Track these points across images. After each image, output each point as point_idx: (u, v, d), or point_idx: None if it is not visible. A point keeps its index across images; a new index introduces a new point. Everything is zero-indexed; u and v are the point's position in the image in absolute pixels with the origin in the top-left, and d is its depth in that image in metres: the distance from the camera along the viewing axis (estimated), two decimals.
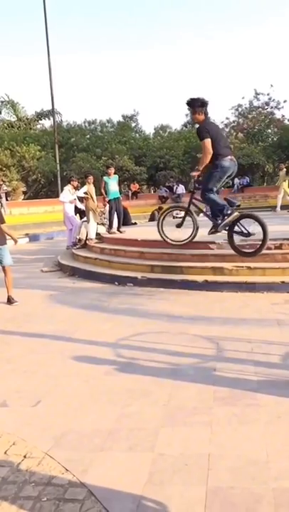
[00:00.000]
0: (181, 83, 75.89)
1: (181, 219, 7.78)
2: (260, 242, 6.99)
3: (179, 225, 7.76)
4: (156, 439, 3.02)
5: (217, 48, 78.16)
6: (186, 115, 46.46)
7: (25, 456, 2.88)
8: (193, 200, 7.48)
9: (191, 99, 6.77)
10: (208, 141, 6.60)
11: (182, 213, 7.84)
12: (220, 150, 6.77)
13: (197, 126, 6.83)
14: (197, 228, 7.62)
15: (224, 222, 7.07)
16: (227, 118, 41.73)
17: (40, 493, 2.51)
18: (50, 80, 28.61)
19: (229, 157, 6.92)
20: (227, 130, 41.45)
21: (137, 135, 39.39)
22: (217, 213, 7.15)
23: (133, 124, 42.01)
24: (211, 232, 7.43)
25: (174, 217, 8.89)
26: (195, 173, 6.93)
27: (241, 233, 7.18)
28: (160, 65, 78.33)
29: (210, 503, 2.36)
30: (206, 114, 6.92)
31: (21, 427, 3.28)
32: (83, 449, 2.95)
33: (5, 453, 2.94)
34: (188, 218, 7.66)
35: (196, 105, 6.62)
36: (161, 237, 7.74)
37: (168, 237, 7.77)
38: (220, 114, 74.89)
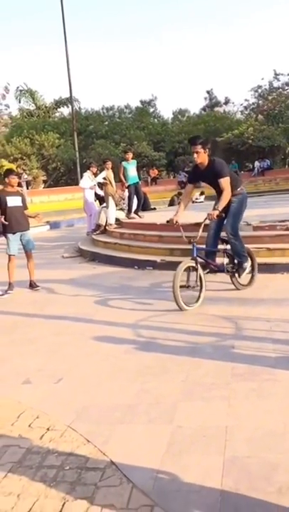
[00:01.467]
0: (199, 66, 75.05)
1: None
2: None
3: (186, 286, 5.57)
4: (175, 412, 3.10)
5: (235, 29, 76.86)
6: (205, 98, 46.10)
7: (48, 429, 2.99)
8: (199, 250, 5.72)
9: (198, 137, 5.87)
10: (229, 179, 5.64)
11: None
12: (237, 183, 5.93)
13: (214, 162, 5.66)
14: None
15: (245, 269, 6.02)
16: (246, 100, 41.18)
17: (62, 462, 2.62)
18: (67, 68, 28.64)
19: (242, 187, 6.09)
20: (247, 112, 40.92)
21: (156, 120, 39.19)
22: (239, 256, 5.94)
23: (151, 110, 41.81)
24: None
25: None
26: (216, 214, 5.43)
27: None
28: (177, 48, 77.48)
29: (227, 471, 2.42)
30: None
31: (44, 402, 3.39)
32: (104, 422, 3.04)
33: (29, 426, 3.05)
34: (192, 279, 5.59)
35: (205, 142, 5.68)
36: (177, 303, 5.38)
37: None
38: (239, 96, 73.93)
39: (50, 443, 2.83)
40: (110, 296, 6.47)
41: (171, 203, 18.41)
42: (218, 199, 5.65)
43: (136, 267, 8.29)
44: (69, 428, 2.99)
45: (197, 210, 7.82)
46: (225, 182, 5.55)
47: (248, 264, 6.05)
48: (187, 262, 5.48)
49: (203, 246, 5.92)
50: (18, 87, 36.60)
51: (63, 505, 2.25)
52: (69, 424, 3.04)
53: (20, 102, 37.76)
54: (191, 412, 3.10)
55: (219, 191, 5.67)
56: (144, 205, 13.34)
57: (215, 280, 6.20)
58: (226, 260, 5.99)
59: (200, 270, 5.56)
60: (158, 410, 3.14)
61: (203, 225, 5.67)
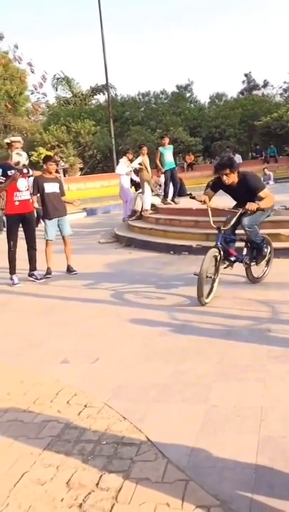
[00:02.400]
0: (237, 48, 73.53)
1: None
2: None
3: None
4: (210, 392, 3.12)
5: (273, 9, 74.73)
6: (243, 82, 45.21)
7: (85, 406, 3.07)
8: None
9: (224, 164, 5.48)
10: (266, 189, 5.58)
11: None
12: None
13: (246, 178, 5.45)
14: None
15: (265, 256, 5.89)
16: (285, 82, 40.19)
17: (100, 437, 2.69)
18: (103, 55, 28.55)
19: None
20: (286, 95, 39.92)
21: (192, 105, 38.72)
22: (255, 243, 5.73)
23: (187, 94, 41.32)
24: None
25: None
26: (255, 207, 5.22)
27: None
28: (214, 31, 76.03)
29: (261, 449, 2.44)
30: None
31: (82, 381, 3.47)
32: (139, 400, 3.10)
33: (67, 403, 3.14)
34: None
35: (231, 165, 5.39)
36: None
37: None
38: (278, 78, 72.12)
39: (88, 419, 2.90)
40: (146, 280, 6.51)
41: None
42: (240, 208, 5.47)
43: (171, 252, 8.31)
44: (106, 405, 3.06)
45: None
46: (264, 193, 5.40)
47: (267, 251, 5.88)
48: (213, 251, 5.23)
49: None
50: (55, 75, 36.84)
51: (100, 477, 2.32)
52: (106, 401, 3.11)
53: (56, 90, 38.02)
54: (226, 392, 3.11)
55: (244, 201, 5.38)
56: (180, 191, 13.28)
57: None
58: (244, 251, 5.73)
59: (219, 261, 5.33)
60: (193, 390, 3.17)
61: (239, 214, 5.47)
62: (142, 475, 2.30)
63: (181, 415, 2.87)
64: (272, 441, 2.50)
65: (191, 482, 2.22)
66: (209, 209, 5.54)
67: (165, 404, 3.02)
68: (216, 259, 5.24)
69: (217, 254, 5.24)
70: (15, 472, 2.42)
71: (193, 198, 5.75)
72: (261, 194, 5.39)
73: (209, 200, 5.69)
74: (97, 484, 2.26)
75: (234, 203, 5.84)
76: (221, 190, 5.72)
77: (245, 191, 5.45)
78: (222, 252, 5.32)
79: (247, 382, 3.23)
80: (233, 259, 5.58)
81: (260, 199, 5.34)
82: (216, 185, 5.74)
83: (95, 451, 2.55)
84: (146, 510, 2.05)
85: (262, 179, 7.01)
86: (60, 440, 2.69)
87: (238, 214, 5.48)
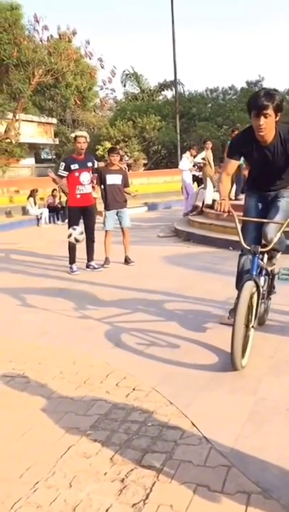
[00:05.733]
0: None
1: None
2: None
3: None
4: (259, 385, 3.08)
5: None
6: None
7: (133, 389, 3.13)
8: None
9: (271, 93, 3.35)
10: None
11: None
12: None
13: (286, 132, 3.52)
14: None
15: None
16: None
17: (145, 419, 2.73)
18: (173, 51, 28.52)
19: None
20: None
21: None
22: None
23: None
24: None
25: None
26: None
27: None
28: (287, 26, 73.91)
29: None
30: None
31: (131, 365, 3.53)
32: (187, 387, 3.11)
33: (116, 385, 3.21)
34: None
35: (281, 102, 3.36)
36: None
37: None
38: None
39: (135, 401, 2.95)
40: (203, 274, 6.49)
41: None
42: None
43: (230, 247, 8.20)
44: (153, 390, 3.10)
45: None
46: None
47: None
48: (249, 287, 3.34)
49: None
50: (124, 71, 37.28)
51: (143, 456, 2.36)
52: (154, 386, 3.15)
53: (125, 85, 38.45)
54: (276, 386, 3.06)
55: (274, 180, 3.79)
56: (244, 188, 13.06)
57: None
58: (262, 281, 3.76)
59: (258, 300, 3.51)
60: (242, 382, 3.14)
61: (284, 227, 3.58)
62: (185, 457, 2.32)
63: (228, 404, 2.85)
64: None
65: (233, 468, 2.21)
66: (236, 219, 3.72)
67: (213, 393, 3.02)
68: (251, 298, 3.38)
69: (255, 290, 3.43)
70: (62, 444, 2.51)
71: (210, 207, 3.98)
72: None
73: (232, 180, 3.95)
74: (140, 462, 2.31)
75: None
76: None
77: (282, 153, 3.52)
78: (260, 288, 3.52)
79: None
80: None
81: None
82: (240, 145, 3.71)
83: (140, 432, 2.59)
84: (187, 490, 2.07)
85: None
86: (107, 419, 2.76)
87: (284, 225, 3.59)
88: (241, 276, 3.71)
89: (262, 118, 3.32)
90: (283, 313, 4.50)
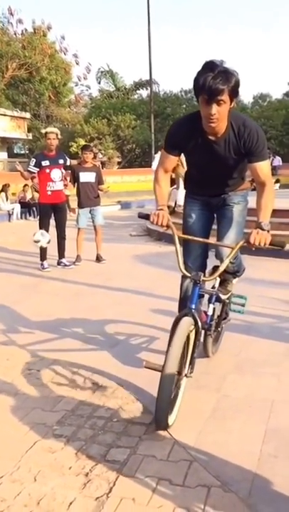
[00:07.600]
0: (284, 49, 72.24)
1: None
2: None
3: None
4: (224, 382, 3.17)
5: None
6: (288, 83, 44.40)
7: (101, 386, 3.17)
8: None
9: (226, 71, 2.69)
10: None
11: None
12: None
13: (245, 125, 2.81)
14: None
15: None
16: None
17: (111, 415, 2.78)
18: (149, 50, 28.65)
19: None
20: None
21: (235, 105, 38.38)
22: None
23: None
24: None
25: None
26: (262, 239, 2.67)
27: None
28: (260, 30, 75.00)
29: (268, 439, 2.48)
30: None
31: (99, 363, 3.56)
32: (153, 385, 3.12)
33: (84, 381, 3.25)
34: None
35: (237, 85, 2.72)
36: None
37: None
38: None
39: (102, 398, 3.00)
40: (173, 274, 6.52)
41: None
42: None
43: None
44: (120, 387, 3.14)
45: None
46: (267, 168, 2.80)
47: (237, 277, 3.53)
48: (186, 324, 2.69)
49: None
50: (99, 68, 37.25)
51: (108, 451, 2.40)
52: (120, 383, 3.19)
53: (100, 83, 38.39)
54: (240, 384, 3.15)
55: (219, 181, 3.06)
56: None
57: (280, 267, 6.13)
58: (211, 309, 3.16)
59: (195, 340, 2.83)
60: (207, 379, 3.22)
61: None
62: (148, 452, 2.37)
63: (192, 401, 2.92)
64: (279, 433, 2.53)
65: (194, 463, 2.28)
66: (176, 237, 2.98)
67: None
68: (188, 338, 2.73)
69: (193, 328, 2.75)
70: (28, 440, 2.53)
71: (145, 217, 3.10)
72: (262, 166, 2.78)
73: (171, 179, 3.47)
74: (105, 457, 2.35)
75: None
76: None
77: (235, 152, 2.81)
78: (199, 323, 2.75)
79: (262, 376, 3.26)
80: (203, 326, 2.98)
81: (260, 176, 2.79)
82: (179, 136, 2.89)
83: (106, 427, 2.63)
84: (149, 483, 2.13)
85: None
86: (74, 415, 2.79)
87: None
88: (185, 304, 2.97)
89: (214, 106, 2.58)
90: (251, 314, 4.59)
